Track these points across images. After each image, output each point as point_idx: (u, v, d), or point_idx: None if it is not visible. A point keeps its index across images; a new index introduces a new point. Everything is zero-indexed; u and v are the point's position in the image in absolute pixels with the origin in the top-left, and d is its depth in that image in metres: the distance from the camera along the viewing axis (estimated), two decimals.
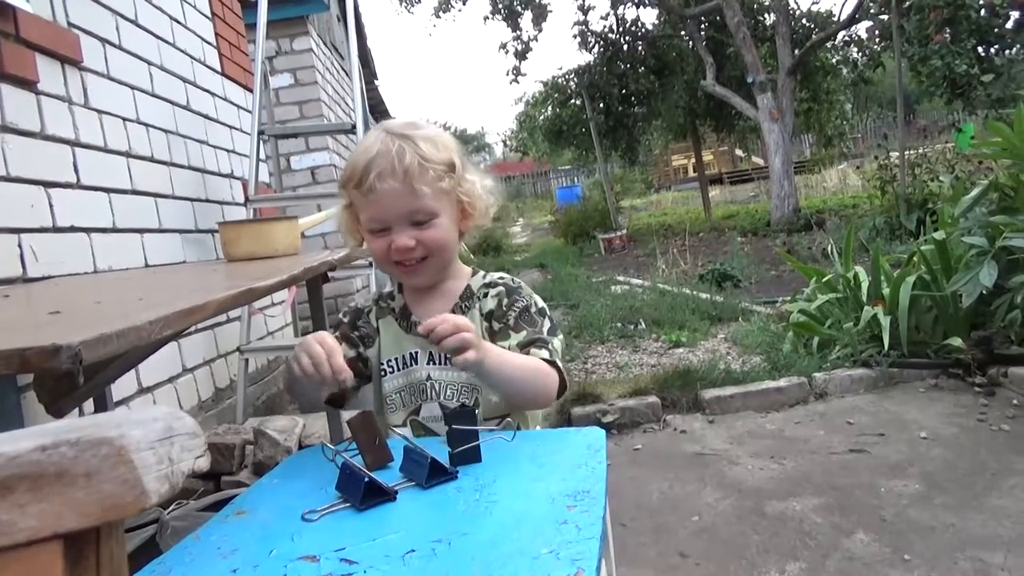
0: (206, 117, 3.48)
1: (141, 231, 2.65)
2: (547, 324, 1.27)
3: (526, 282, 1.36)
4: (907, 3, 7.23)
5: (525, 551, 0.75)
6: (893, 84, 8.05)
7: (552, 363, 1.19)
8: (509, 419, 1.26)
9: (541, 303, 1.30)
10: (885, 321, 3.42)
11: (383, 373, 1.31)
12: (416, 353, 1.28)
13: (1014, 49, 7.43)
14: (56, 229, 2.13)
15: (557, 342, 1.25)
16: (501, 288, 1.30)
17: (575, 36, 11.76)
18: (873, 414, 3.09)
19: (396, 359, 1.30)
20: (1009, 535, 2.03)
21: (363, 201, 1.20)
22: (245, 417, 3.09)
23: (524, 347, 1.21)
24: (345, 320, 1.36)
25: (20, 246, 1.95)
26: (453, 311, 1.27)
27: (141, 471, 0.46)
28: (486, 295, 1.30)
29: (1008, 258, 3.14)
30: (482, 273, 1.35)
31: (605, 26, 11.92)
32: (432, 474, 0.96)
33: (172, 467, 0.49)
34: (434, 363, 1.27)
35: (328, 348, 1.06)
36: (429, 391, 1.27)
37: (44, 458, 0.45)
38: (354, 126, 3.46)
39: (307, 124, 5.60)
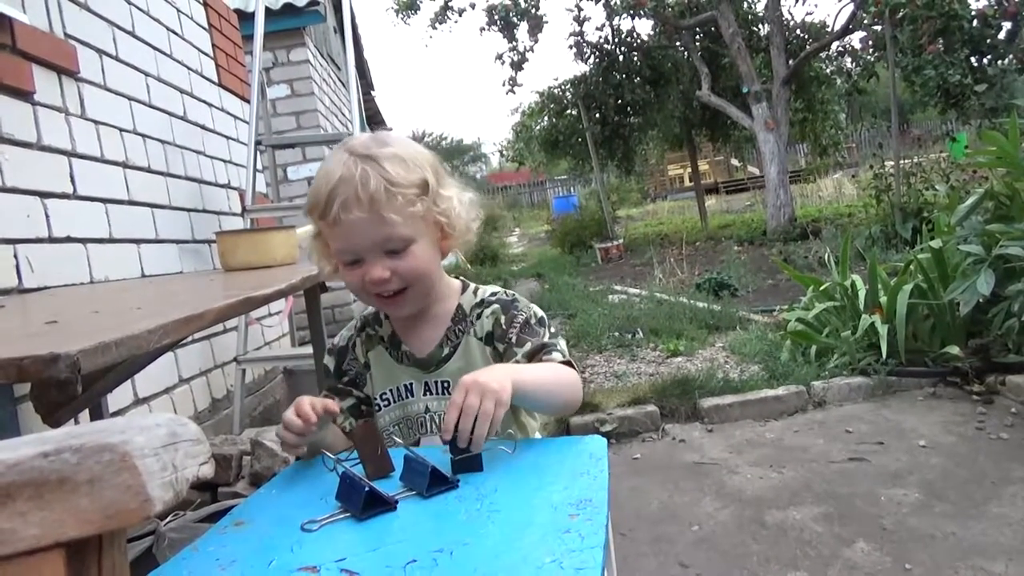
0: (203, 128, 3.48)
1: (138, 241, 2.65)
2: (548, 332, 1.21)
3: (523, 292, 1.34)
4: (900, 14, 7.28)
5: (528, 560, 0.74)
6: (887, 94, 8.10)
7: (567, 363, 1.16)
8: (511, 431, 1.24)
9: (540, 312, 1.24)
10: (883, 329, 3.42)
11: (377, 408, 1.24)
12: (411, 384, 1.22)
13: (1007, 59, 7.49)
14: (52, 239, 2.12)
15: (562, 343, 1.20)
16: (496, 306, 1.22)
17: (571, 47, 11.78)
18: (872, 422, 3.08)
19: (391, 391, 1.23)
20: (1010, 543, 2.03)
21: (330, 232, 1.11)
22: (242, 428, 3.07)
23: (531, 357, 1.16)
24: (330, 368, 1.28)
25: (16, 256, 1.94)
26: (447, 337, 1.22)
27: (145, 478, 0.45)
28: (480, 316, 1.22)
29: (1005, 266, 3.15)
30: (473, 288, 1.27)
31: (601, 37, 11.96)
32: (433, 483, 0.94)
33: (176, 474, 0.47)
34: (431, 393, 1.20)
35: (310, 404, 1.06)
36: (428, 423, 1.20)
37: (46, 465, 0.44)
38: (351, 136, 3.48)
39: (304, 135, 5.62)
